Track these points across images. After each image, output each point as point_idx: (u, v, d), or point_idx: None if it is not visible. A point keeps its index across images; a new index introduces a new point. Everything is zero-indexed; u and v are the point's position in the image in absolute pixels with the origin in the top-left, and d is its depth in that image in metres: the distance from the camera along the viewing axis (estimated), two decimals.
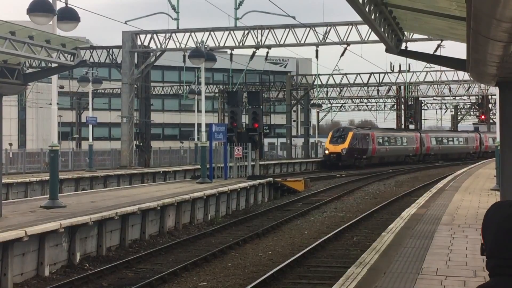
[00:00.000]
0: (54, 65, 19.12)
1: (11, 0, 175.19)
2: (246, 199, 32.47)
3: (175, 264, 17.59)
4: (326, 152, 65.64)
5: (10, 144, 61.46)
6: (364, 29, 42.51)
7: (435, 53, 35.88)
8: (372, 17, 12.89)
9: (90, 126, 47.56)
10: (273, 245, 21.08)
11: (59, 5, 21.34)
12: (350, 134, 65.41)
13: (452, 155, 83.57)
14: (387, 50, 16.96)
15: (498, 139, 20.01)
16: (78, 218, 17.97)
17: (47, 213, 19.25)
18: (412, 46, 37.78)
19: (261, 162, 39.19)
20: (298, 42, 44.99)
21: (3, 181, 20.50)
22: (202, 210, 26.97)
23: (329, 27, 44.48)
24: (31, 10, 18.94)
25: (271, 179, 36.66)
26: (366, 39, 43.35)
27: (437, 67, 68.30)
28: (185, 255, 19.23)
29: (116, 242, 20.40)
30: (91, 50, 51.69)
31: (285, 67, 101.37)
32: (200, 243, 21.66)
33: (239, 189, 30.97)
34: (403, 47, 18.28)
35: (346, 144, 64.39)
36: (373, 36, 41.02)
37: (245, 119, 41.29)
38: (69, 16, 20.84)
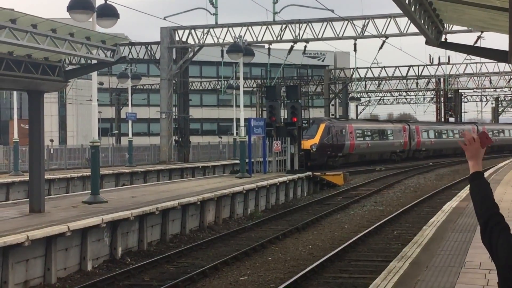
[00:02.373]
0: (94, 61, 19.28)
1: None
2: (286, 193, 32.45)
3: (215, 259, 17.64)
4: None
5: (51, 141, 62.21)
6: (403, 21, 42.21)
7: (475, 45, 35.48)
8: (412, 9, 12.79)
9: (130, 122, 47.92)
10: (313, 239, 21.04)
11: (99, 2, 21.53)
12: (322, 127, 52.57)
13: (447, 150, 73.19)
14: (427, 42, 16.83)
15: None
16: (120, 213, 18.11)
17: (89, 208, 19.44)
18: (451, 38, 37.42)
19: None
20: (336, 36, 44.81)
21: (45, 177, 20.71)
22: (242, 205, 27.01)
23: (367, 20, 44.22)
24: (71, 8, 19.12)
25: (310, 173, 36.57)
26: (405, 32, 43.02)
27: (477, 59, 67.54)
28: (226, 250, 19.28)
29: (157, 237, 20.52)
30: (130, 47, 52.04)
31: (323, 61, 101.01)
32: (240, 238, 21.70)
33: (278, 184, 30.96)
34: (442, 39, 18.11)
35: (316, 139, 51.51)
36: (412, 29, 40.69)
37: (283, 113, 41.18)
38: (109, 12, 20.99)
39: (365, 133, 59.74)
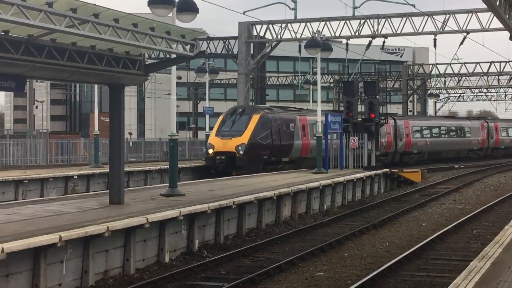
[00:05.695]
0: (173, 56, 19.45)
1: None
2: (362, 189, 32.21)
3: (291, 254, 17.62)
4: (210, 151, 37.54)
5: (130, 134, 63.31)
6: (485, 16, 41.37)
7: None
8: (497, 3, 12.50)
9: (207, 116, 48.30)
10: (390, 237, 20.83)
11: None
12: (255, 119, 37.59)
13: (446, 153, 59.73)
14: (511, 38, 16.44)
15: None
16: (197, 206, 18.25)
17: (167, 201, 19.65)
18: None
19: (377, 153, 38.75)
20: (416, 31, 44.25)
21: (124, 169, 21.02)
22: (318, 200, 26.90)
23: (448, 15, 43.49)
24: (151, 2, 19.30)
25: (387, 169, 36.21)
26: (487, 27, 42.18)
27: None
28: (301, 245, 19.24)
29: (233, 230, 20.60)
30: (208, 41, 52.45)
31: (401, 56, 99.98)
32: (316, 233, 21.63)
33: (355, 180, 30.74)
34: None
35: (245, 138, 36.90)
36: (495, 24, 39.88)
37: (361, 109, 40.83)
38: (188, 7, 21.10)
39: None
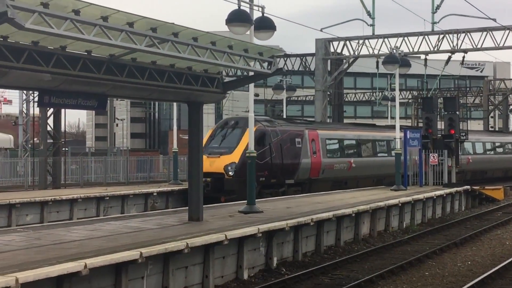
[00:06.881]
0: (251, 73, 19.56)
1: (211, 12, 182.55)
2: (442, 207, 31.67)
3: (371, 272, 17.42)
4: None
5: None
6: None
7: None
8: None
9: None
10: (472, 255, 20.38)
11: (256, 14, 21.84)
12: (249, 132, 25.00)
13: (492, 172, 53.52)
14: None
15: None
16: (275, 223, 18.23)
17: (245, 218, 19.70)
18: None
19: (457, 169, 38.05)
20: (496, 46, 43.45)
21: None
22: (397, 218, 26.56)
23: None
24: (229, 21, 19.50)
25: (468, 187, 35.51)
26: None
27: None
28: (381, 263, 19.00)
29: (312, 248, 20.50)
30: (285, 58, 52.64)
31: (481, 71, 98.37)
32: (395, 251, 21.34)
33: (435, 197, 30.26)
34: None
35: (236, 155, 30.99)
36: None
37: (440, 126, 40.19)
38: (266, 25, 21.25)
39: (344, 144, 38.10)
